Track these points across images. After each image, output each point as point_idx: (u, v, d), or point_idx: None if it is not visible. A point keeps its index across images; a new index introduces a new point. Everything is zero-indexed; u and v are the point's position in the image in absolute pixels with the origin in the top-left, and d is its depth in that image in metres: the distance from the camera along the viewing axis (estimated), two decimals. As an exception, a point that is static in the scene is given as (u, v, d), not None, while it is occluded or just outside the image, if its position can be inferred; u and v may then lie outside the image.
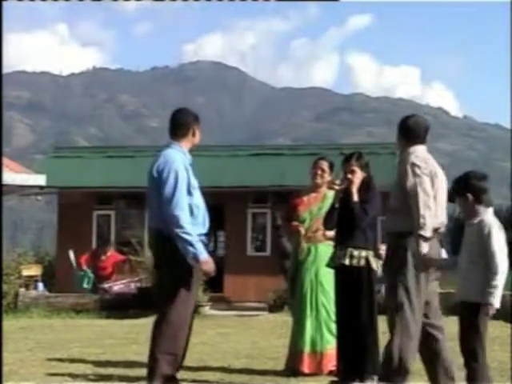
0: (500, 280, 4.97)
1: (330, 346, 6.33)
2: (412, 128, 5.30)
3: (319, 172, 6.58)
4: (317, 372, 6.33)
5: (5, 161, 14.65)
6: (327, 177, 6.57)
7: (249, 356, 7.35)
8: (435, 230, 5.14)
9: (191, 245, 5.09)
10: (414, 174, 5.06)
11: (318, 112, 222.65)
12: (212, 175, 17.85)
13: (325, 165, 6.61)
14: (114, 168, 20.75)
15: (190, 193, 5.28)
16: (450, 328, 5.59)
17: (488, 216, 5.05)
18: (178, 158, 5.40)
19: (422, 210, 4.98)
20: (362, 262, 5.73)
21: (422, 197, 5.00)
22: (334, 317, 6.33)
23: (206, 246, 5.26)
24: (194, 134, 5.60)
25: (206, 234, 5.37)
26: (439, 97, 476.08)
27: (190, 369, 6.81)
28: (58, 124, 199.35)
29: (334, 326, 6.34)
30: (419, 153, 5.23)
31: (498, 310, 5.21)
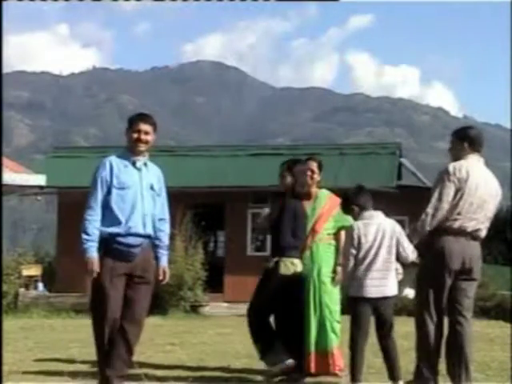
0: None
1: (335, 345, 6.30)
2: (474, 138, 5.61)
3: (309, 173, 6.52)
4: (323, 372, 6.27)
5: (5, 161, 14.65)
6: (317, 177, 6.56)
7: (249, 356, 7.35)
8: (460, 232, 5.40)
9: (82, 241, 5.35)
10: (439, 179, 5.48)
11: (317, 112, 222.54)
12: (212, 175, 17.86)
13: (314, 165, 6.58)
14: (114, 168, 20.72)
15: (109, 192, 5.42)
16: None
17: None
18: (103, 160, 5.65)
19: (428, 209, 5.41)
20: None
21: (432, 199, 5.43)
22: (337, 316, 6.34)
23: (128, 245, 5.36)
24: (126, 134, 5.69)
25: (134, 234, 5.39)
26: (439, 97, 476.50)
27: (190, 368, 6.82)
28: (58, 124, 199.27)
29: (337, 326, 6.34)
30: (464, 161, 5.55)
31: (498, 310, 5.28)
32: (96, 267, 5.28)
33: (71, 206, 20.07)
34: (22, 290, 15.88)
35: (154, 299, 13.25)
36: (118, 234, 5.37)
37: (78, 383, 6.17)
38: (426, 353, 5.39)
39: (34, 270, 18.02)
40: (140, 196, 5.49)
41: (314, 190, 6.57)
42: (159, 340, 9.30)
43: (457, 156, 5.61)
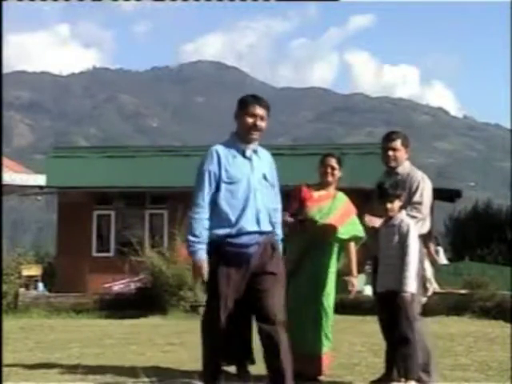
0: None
1: (328, 348, 6.16)
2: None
3: (329, 170, 6.26)
4: (317, 375, 6.11)
5: (5, 161, 14.66)
6: (337, 174, 6.30)
7: (249, 356, 7.33)
8: None
9: (189, 244, 4.83)
10: None
11: (317, 112, 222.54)
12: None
13: (333, 161, 6.29)
14: (114, 168, 20.76)
15: (218, 187, 4.82)
16: (450, 328, 5.59)
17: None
18: (209, 151, 4.98)
19: None
20: None
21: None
22: (330, 316, 6.18)
23: (241, 246, 4.77)
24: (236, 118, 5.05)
25: (245, 233, 4.79)
26: (439, 96, 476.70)
27: (190, 368, 6.81)
28: (58, 124, 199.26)
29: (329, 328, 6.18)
30: None
31: (498, 310, 5.27)
32: (205, 271, 4.77)
33: (71, 206, 20.11)
34: (22, 289, 15.86)
35: (153, 299, 13.13)
36: (229, 235, 4.78)
37: (78, 383, 6.16)
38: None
39: (34, 270, 18.03)
40: (253, 189, 4.85)
41: (333, 188, 6.32)
42: (159, 340, 9.30)
43: None
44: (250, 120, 4.85)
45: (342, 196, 6.34)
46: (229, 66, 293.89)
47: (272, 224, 4.96)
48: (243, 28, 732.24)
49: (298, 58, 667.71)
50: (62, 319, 13.45)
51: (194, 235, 4.77)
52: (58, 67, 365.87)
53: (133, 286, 15.57)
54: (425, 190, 5.84)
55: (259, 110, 4.87)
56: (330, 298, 6.16)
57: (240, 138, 4.92)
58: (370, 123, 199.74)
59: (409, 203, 5.74)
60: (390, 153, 5.96)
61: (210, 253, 4.78)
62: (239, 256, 4.76)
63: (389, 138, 6.02)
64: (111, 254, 20.03)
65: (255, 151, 4.96)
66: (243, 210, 4.79)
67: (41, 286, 18.02)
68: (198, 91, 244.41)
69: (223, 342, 6.12)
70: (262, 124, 4.88)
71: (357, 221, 6.13)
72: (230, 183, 4.81)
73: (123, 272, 16.06)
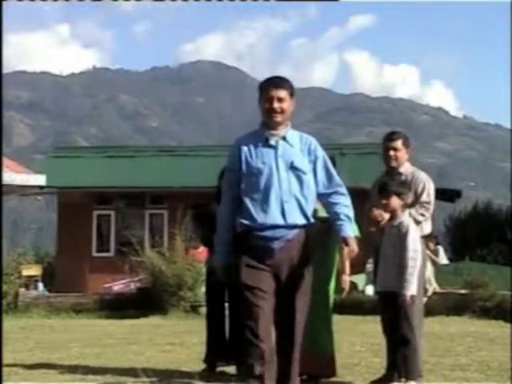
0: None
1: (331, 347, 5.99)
2: None
3: None
4: (331, 375, 5.93)
5: (5, 161, 14.67)
6: None
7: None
8: None
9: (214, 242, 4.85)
10: None
11: (317, 112, 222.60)
12: (212, 175, 17.84)
13: None
14: (114, 168, 20.76)
15: (240, 181, 4.62)
16: (450, 328, 5.59)
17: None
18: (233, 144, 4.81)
19: None
20: None
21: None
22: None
23: (261, 238, 4.48)
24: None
25: (273, 226, 4.49)
26: (439, 96, 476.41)
27: (190, 369, 6.81)
28: (57, 124, 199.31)
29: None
30: None
31: (498, 310, 5.29)
32: (222, 274, 4.69)
33: (71, 206, 20.11)
34: (22, 289, 15.87)
35: (153, 299, 13.15)
36: (254, 228, 4.51)
37: (78, 383, 6.16)
38: None
39: (34, 270, 18.04)
40: (276, 179, 4.53)
41: None
42: (159, 340, 9.30)
43: None
44: (266, 105, 4.64)
45: None
46: (229, 65, 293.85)
47: (306, 216, 4.58)
48: (243, 28, 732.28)
49: (297, 57, 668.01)
50: (62, 319, 13.44)
51: (217, 235, 4.75)
52: (58, 67, 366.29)
53: (133, 285, 15.58)
54: (431, 190, 5.92)
55: (274, 92, 4.61)
56: (331, 298, 6.04)
57: (265, 126, 4.69)
58: (369, 123, 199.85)
59: (416, 203, 5.80)
60: (391, 153, 5.99)
61: (235, 246, 4.60)
62: (262, 250, 4.50)
63: (390, 137, 6.06)
64: (111, 254, 20.03)
65: (284, 138, 4.64)
66: (265, 202, 4.50)
67: (41, 286, 18.03)
68: (198, 91, 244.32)
69: (225, 341, 6.05)
70: (280, 105, 4.60)
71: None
72: (251, 175, 4.57)
73: (123, 272, 16.06)
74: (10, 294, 14.70)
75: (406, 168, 6.01)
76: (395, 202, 5.52)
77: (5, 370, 6.21)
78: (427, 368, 6.03)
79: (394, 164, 6.00)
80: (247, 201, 4.54)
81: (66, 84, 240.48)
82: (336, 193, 4.70)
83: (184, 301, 14.29)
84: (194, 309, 14.46)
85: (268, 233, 4.48)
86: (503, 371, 6.37)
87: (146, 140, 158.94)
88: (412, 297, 5.34)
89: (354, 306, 12.26)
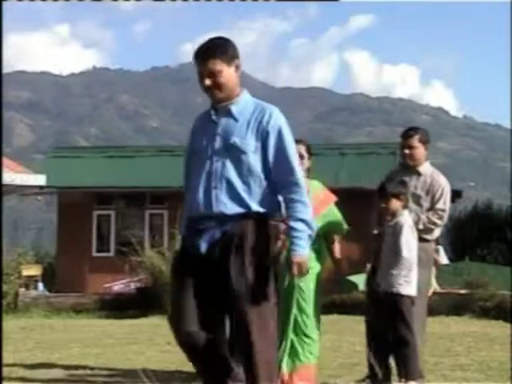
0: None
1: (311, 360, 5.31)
2: None
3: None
4: None
5: (5, 161, 14.67)
6: (306, 163, 5.42)
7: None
8: None
9: None
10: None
11: (317, 112, 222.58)
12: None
13: (302, 149, 5.41)
14: (114, 168, 20.76)
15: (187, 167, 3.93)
16: (450, 328, 5.58)
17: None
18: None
19: None
20: None
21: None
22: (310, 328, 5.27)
23: (196, 231, 3.71)
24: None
25: (202, 217, 3.70)
26: (439, 96, 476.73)
27: (190, 369, 6.81)
28: (58, 124, 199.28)
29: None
30: None
31: (498, 310, 5.27)
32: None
33: (71, 206, 20.11)
34: (22, 289, 15.89)
35: (153, 299, 13.20)
36: (188, 218, 3.81)
37: (78, 383, 6.16)
38: None
39: (34, 270, 18.03)
40: (209, 161, 3.73)
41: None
42: (159, 340, 9.30)
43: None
44: (200, 83, 3.88)
45: (316, 184, 5.47)
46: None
47: (245, 204, 3.65)
48: (243, 28, 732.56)
49: (297, 57, 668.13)
50: (62, 319, 13.46)
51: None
52: (58, 67, 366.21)
53: (133, 285, 15.58)
54: (447, 197, 5.67)
55: (203, 67, 3.87)
56: (310, 301, 5.27)
57: None
58: (369, 123, 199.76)
59: (431, 208, 5.63)
60: (406, 151, 5.71)
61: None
62: (192, 244, 3.72)
63: (406, 134, 5.76)
64: (111, 254, 20.03)
65: (229, 111, 3.79)
66: (196, 188, 3.72)
67: (41, 286, 18.02)
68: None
69: None
70: (214, 81, 3.81)
71: (335, 210, 5.50)
72: (191, 158, 3.87)
73: (123, 272, 16.06)
74: (9, 294, 14.72)
75: (426, 168, 5.72)
76: (395, 204, 5.45)
77: (5, 370, 6.21)
78: (427, 368, 6.03)
79: (410, 163, 5.70)
80: (188, 188, 3.86)
81: (66, 84, 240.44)
82: (287, 184, 3.71)
83: (184, 301, 14.28)
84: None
85: (195, 224, 3.71)
86: (503, 371, 6.37)
87: (145, 140, 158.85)
88: (409, 297, 5.33)
89: (354, 306, 12.27)
